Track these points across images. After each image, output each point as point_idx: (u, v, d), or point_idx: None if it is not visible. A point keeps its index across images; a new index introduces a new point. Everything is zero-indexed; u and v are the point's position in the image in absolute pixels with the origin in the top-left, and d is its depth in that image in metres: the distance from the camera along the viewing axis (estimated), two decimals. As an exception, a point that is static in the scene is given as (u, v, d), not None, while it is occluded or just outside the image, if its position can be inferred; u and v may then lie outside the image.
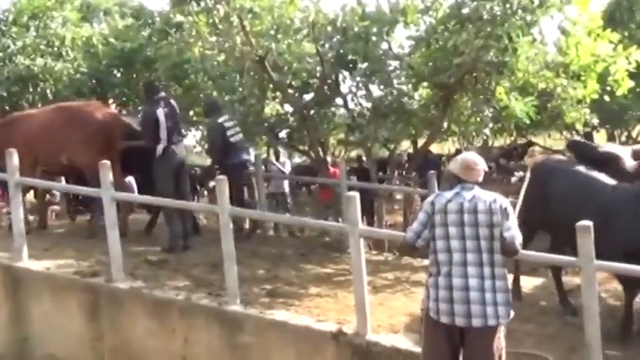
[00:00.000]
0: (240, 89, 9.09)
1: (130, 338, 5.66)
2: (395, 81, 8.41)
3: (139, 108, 11.94)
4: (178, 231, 7.04)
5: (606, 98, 7.75)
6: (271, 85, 8.79)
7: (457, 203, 3.49)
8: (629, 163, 5.59)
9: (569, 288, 5.73)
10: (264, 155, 13.19)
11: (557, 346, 4.60)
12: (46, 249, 6.84)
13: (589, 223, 3.99)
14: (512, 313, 3.47)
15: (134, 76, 12.54)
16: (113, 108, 12.79)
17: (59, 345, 5.98)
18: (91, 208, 8.16)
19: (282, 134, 10.05)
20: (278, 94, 9.09)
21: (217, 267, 5.92)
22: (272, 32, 8.54)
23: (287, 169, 12.06)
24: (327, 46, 8.38)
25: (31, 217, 8.31)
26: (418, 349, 3.92)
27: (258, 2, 8.31)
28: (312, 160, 9.87)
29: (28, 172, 7.02)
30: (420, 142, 10.65)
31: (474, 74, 7.46)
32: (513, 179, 17.97)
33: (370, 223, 10.10)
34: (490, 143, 21.52)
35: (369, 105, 8.64)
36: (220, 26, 8.19)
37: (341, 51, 8.27)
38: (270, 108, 9.46)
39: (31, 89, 11.50)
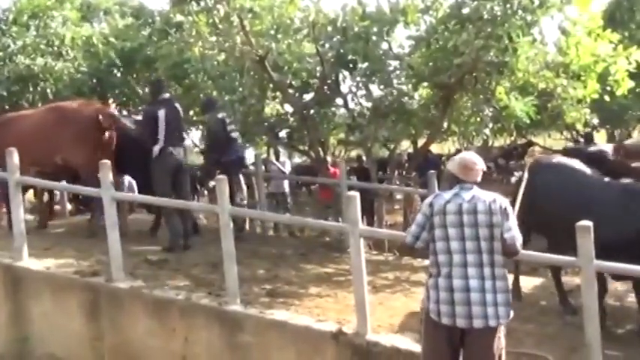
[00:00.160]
0: (241, 89, 9.09)
1: (130, 338, 5.65)
2: (395, 81, 8.42)
3: (139, 108, 11.97)
4: (178, 230, 7.04)
5: (606, 98, 7.75)
6: (271, 85, 8.80)
7: (456, 204, 3.48)
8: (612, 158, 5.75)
9: (570, 288, 5.74)
10: (264, 155, 13.20)
11: (557, 346, 4.60)
12: (46, 248, 6.84)
13: (589, 223, 3.99)
14: (512, 314, 3.47)
15: (134, 75, 12.54)
16: (113, 107, 12.79)
17: (59, 344, 5.98)
18: (91, 207, 8.16)
19: (282, 134, 10.06)
20: (278, 93, 9.10)
21: (217, 267, 5.92)
22: (272, 32, 8.55)
23: (287, 169, 12.06)
24: (327, 45, 8.39)
25: (30, 217, 8.31)
26: (418, 349, 3.92)
27: (258, 2, 8.31)
28: (312, 160, 9.88)
29: (23, 172, 7.00)
30: (420, 142, 10.67)
31: (474, 74, 7.47)
32: (513, 179, 17.96)
33: (370, 223, 10.10)
34: (490, 143, 21.52)
35: (369, 105, 8.65)
36: (220, 26, 8.19)
37: (341, 51, 8.27)
38: (271, 108, 9.47)
39: (31, 89, 11.48)
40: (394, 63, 8.41)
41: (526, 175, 5.46)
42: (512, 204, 4.15)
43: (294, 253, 7.47)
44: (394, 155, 10.78)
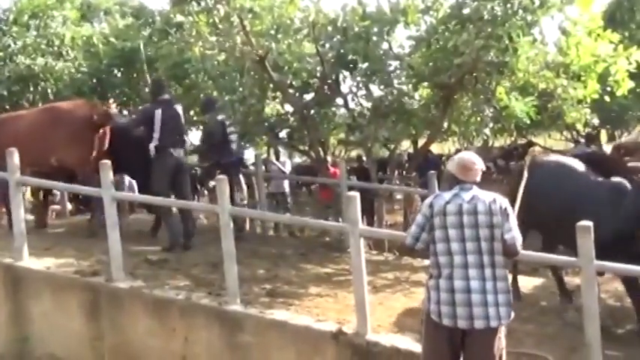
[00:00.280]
0: (241, 89, 9.10)
1: (130, 338, 5.65)
2: (395, 81, 8.43)
3: (139, 107, 11.97)
4: (176, 229, 7.04)
5: (606, 98, 7.75)
6: (271, 85, 8.79)
7: (456, 205, 3.46)
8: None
9: (570, 288, 5.74)
10: (265, 155, 13.20)
11: (557, 346, 4.60)
12: (46, 248, 6.83)
13: (589, 223, 3.99)
14: (512, 314, 3.47)
15: (134, 75, 12.55)
16: (114, 107, 12.79)
17: (59, 344, 5.98)
18: (91, 207, 8.16)
19: (283, 134, 10.06)
20: (278, 93, 9.10)
21: (217, 267, 5.92)
22: (272, 32, 8.55)
23: (287, 168, 12.07)
24: (327, 46, 8.39)
25: (30, 217, 8.30)
26: (418, 349, 3.91)
27: (258, 2, 8.31)
28: (313, 160, 9.88)
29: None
30: (421, 142, 10.67)
31: (475, 74, 7.47)
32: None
33: (370, 223, 10.10)
34: (490, 143, 21.52)
35: (369, 105, 8.65)
36: (221, 26, 8.20)
37: (341, 51, 8.27)
38: (271, 108, 9.47)
39: (31, 89, 11.52)
40: (394, 63, 8.41)
41: (526, 174, 5.47)
42: (511, 203, 4.16)
43: (294, 253, 7.46)
44: (394, 155, 10.77)
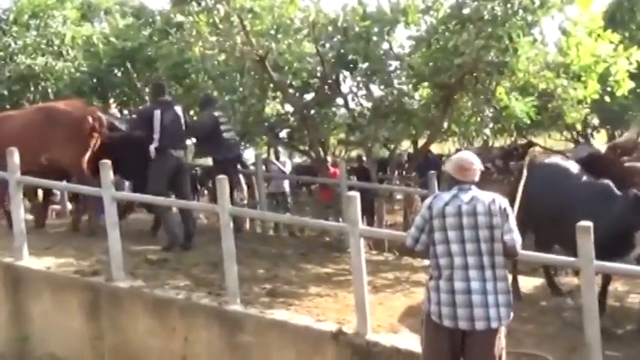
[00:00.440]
0: (241, 89, 9.10)
1: (130, 337, 5.66)
2: (395, 81, 8.43)
3: (139, 107, 11.98)
4: (175, 228, 7.04)
5: (607, 99, 7.75)
6: (272, 85, 8.79)
7: (455, 206, 3.45)
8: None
9: (570, 288, 5.74)
10: (265, 155, 13.21)
11: (557, 346, 4.60)
12: (46, 248, 6.83)
13: (589, 223, 3.99)
14: (512, 314, 3.47)
15: (135, 75, 12.56)
16: (114, 107, 12.79)
17: (59, 344, 5.98)
18: (88, 206, 8.13)
19: (283, 134, 10.06)
20: (278, 93, 9.10)
21: (217, 266, 5.92)
22: (272, 32, 8.55)
23: (287, 168, 12.07)
24: (327, 45, 8.40)
25: (30, 217, 8.29)
26: (418, 349, 3.91)
27: (258, 2, 8.32)
28: (313, 160, 9.88)
29: None
30: (421, 142, 10.67)
31: (475, 74, 7.47)
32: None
33: (370, 223, 10.10)
34: (490, 144, 21.50)
35: (369, 105, 8.65)
36: (221, 26, 8.20)
37: (341, 51, 8.28)
38: (271, 108, 9.48)
39: (32, 88, 11.53)
40: (395, 63, 8.42)
41: (525, 174, 5.49)
42: (511, 204, 4.16)
43: (294, 253, 7.46)
44: (394, 155, 10.78)
